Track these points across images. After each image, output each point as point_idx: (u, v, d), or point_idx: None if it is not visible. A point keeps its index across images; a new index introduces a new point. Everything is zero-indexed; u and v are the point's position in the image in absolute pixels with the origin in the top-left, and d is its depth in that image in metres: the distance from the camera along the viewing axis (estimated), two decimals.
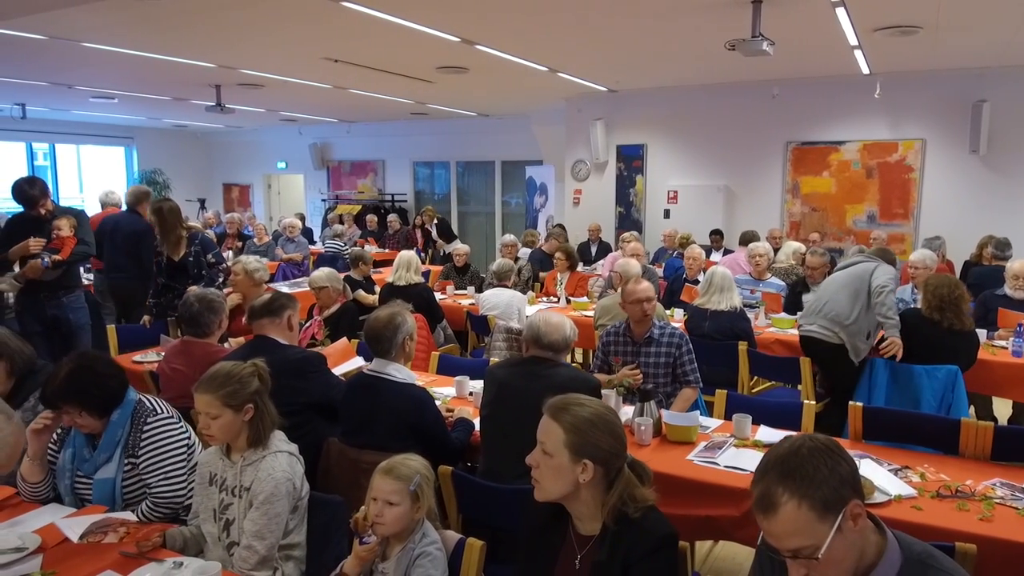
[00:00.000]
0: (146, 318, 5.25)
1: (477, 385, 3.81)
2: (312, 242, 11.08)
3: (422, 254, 11.59)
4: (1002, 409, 5.19)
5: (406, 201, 14.43)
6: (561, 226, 10.09)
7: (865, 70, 8.06)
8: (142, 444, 2.41)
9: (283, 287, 7.41)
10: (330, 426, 3.12)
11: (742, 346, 4.66)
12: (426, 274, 6.98)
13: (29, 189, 4.90)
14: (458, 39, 6.62)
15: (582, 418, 1.71)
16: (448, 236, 11.24)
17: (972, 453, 2.92)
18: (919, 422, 3.18)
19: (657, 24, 6.13)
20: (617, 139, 10.34)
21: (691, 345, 3.71)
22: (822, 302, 4.32)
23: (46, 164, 14.67)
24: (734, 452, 2.94)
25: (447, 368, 4.34)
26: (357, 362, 3.89)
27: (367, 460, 2.80)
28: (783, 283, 6.23)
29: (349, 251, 9.99)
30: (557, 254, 7.26)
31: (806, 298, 5.87)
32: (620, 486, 1.68)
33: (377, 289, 6.54)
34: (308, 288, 5.18)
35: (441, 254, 10.84)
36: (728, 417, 3.42)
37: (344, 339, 4.13)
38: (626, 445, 1.77)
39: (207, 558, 2.21)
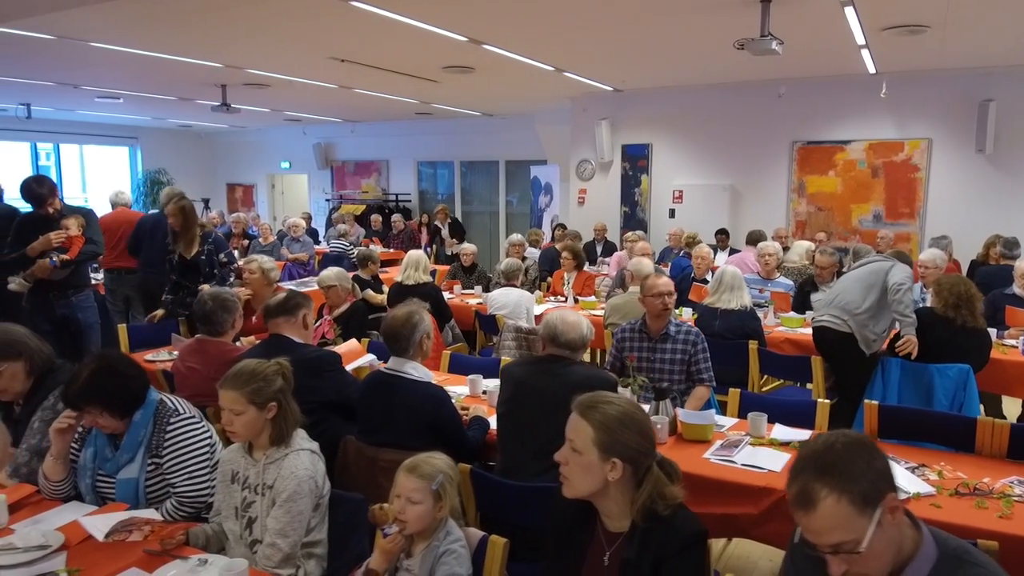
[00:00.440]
0: (156, 313, 5.24)
1: (490, 384, 3.82)
2: (317, 242, 11.09)
3: (427, 250, 11.60)
4: (1011, 408, 5.20)
5: (410, 201, 14.44)
6: (562, 226, 10.11)
7: (871, 69, 8.06)
8: (165, 444, 2.41)
9: (290, 287, 7.41)
10: (345, 424, 3.13)
11: (752, 345, 4.66)
12: (432, 273, 6.98)
13: (37, 188, 4.91)
14: (465, 39, 6.62)
15: (611, 416, 1.71)
16: (461, 235, 11.24)
17: (988, 451, 2.93)
18: (935, 420, 3.19)
19: (666, 23, 6.13)
20: (622, 139, 10.34)
21: (707, 344, 3.72)
22: (835, 294, 4.37)
23: (48, 164, 14.68)
24: (750, 450, 2.94)
25: (458, 367, 4.35)
26: (367, 358, 3.90)
27: (385, 458, 2.81)
28: (791, 282, 6.24)
29: (354, 251, 10.04)
30: (564, 253, 7.26)
31: (815, 297, 5.89)
32: (649, 484, 1.69)
33: (385, 288, 6.54)
34: (316, 288, 5.20)
35: (449, 253, 10.84)
36: (741, 416, 3.43)
37: (353, 340, 4.13)
38: (655, 444, 1.77)
39: (229, 555, 2.21)
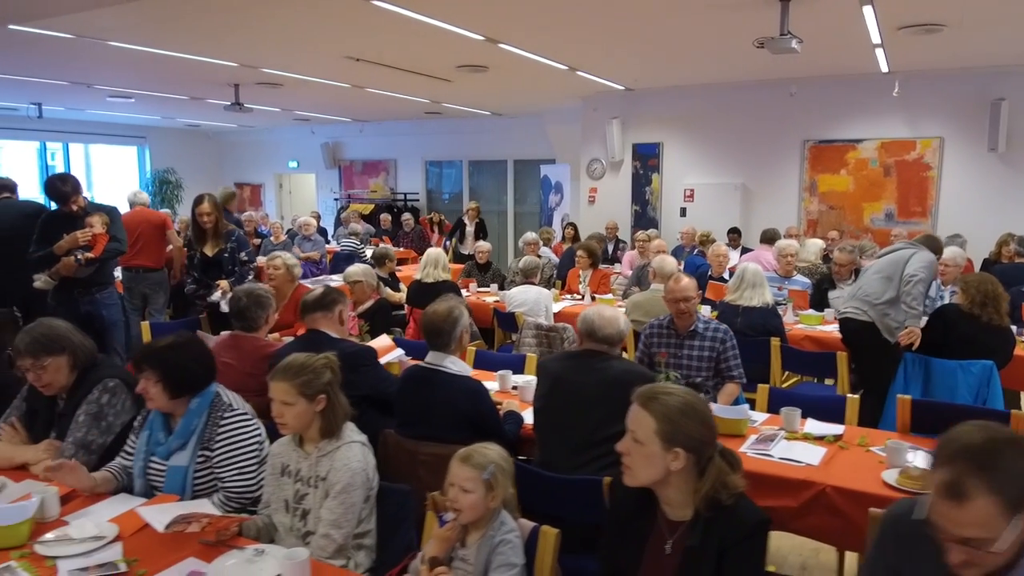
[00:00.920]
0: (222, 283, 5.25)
1: (519, 379, 3.85)
2: (327, 241, 11.11)
3: (446, 245, 11.59)
4: None
5: (418, 200, 14.47)
6: (572, 224, 10.13)
7: (884, 68, 8.08)
8: (218, 439, 2.44)
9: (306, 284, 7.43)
10: (382, 418, 3.15)
11: (775, 342, 4.68)
12: None
13: (61, 186, 4.93)
14: (482, 38, 6.64)
15: (672, 407, 1.73)
16: (485, 235, 11.21)
17: None
18: (967, 415, 3.19)
19: (686, 22, 6.15)
20: (633, 138, 10.36)
21: (735, 341, 3.74)
22: (858, 286, 4.44)
23: (53, 164, 14.68)
24: (786, 444, 2.96)
25: (482, 363, 4.37)
26: (397, 353, 3.93)
27: (425, 452, 2.85)
28: (808, 280, 6.26)
29: (365, 249, 10.06)
30: (579, 252, 7.29)
31: (832, 294, 5.93)
32: (713, 473, 1.71)
33: (402, 286, 6.58)
34: (341, 284, 5.21)
35: (465, 252, 10.83)
36: (769, 411, 3.45)
37: (385, 335, 4.16)
38: (716, 433, 1.79)
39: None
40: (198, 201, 5.33)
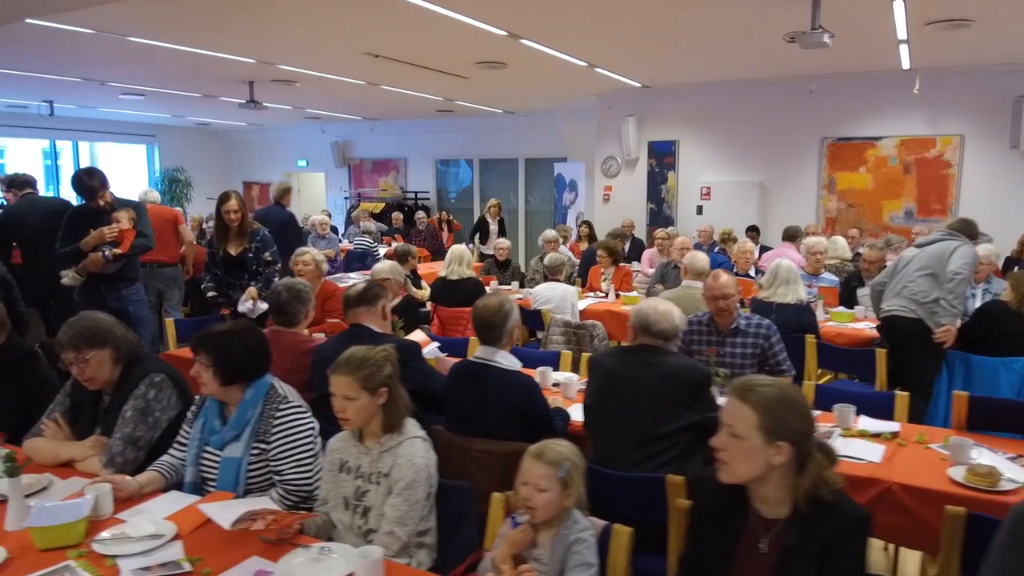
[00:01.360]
0: (251, 291, 5.06)
1: (559, 376, 3.80)
2: (339, 239, 11.05)
3: (470, 246, 11.51)
4: None
5: (428, 199, 14.41)
6: (587, 223, 10.06)
7: (905, 65, 8.02)
8: (274, 430, 2.39)
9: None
10: (427, 414, 3.09)
11: (810, 339, 4.62)
12: None
13: (88, 180, 4.87)
14: (505, 33, 6.59)
15: (771, 398, 1.67)
16: (504, 233, 11.14)
17: None
18: None
19: (713, 16, 6.09)
20: (648, 135, 10.30)
21: (780, 335, 3.68)
22: (901, 285, 4.33)
23: (55, 163, 14.59)
24: (843, 442, 2.91)
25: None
26: (432, 348, 3.87)
27: (477, 448, 2.79)
28: (836, 278, 6.20)
29: (378, 248, 10.00)
30: (600, 251, 7.22)
31: (860, 292, 5.86)
32: (813, 468, 1.64)
33: (424, 284, 6.51)
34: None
35: (485, 252, 10.75)
36: (817, 409, 3.39)
37: (419, 331, 4.10)
38: (815, 426, 1.73)
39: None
40: (224, 198, 5.14)
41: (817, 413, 3.26)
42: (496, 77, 8.83)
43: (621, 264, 7.33)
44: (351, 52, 7.55)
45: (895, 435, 2.99)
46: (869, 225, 9.03)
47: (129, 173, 15.17)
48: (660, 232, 8.07)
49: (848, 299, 5.86)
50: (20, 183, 5.96)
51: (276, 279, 5.25)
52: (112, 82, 9.58)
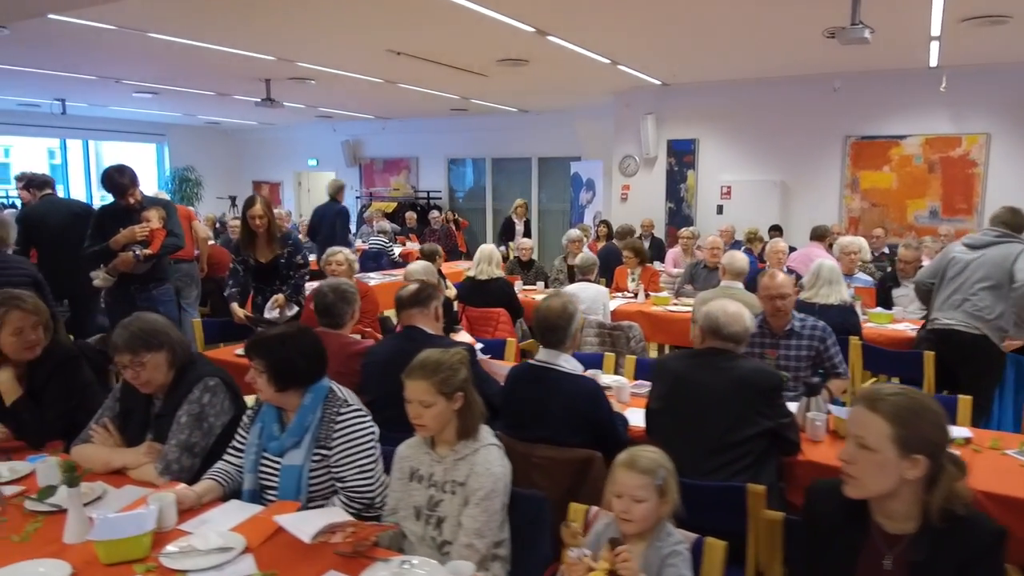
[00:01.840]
0: (279, 298, 4.85)
1: (608, 379, 3.70)
2: None
3: (461, 252, 11.45)
4: None
5: (440, 198, 14.31)
6: (606, 222, 9.97)
7: (933, 63, 7.92)
8: (335, 436, 2.29)
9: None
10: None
11: (854, 341, 4.52)
12: None
13: (119, 178, 4.79)
14: (533, 29, 6.50)
15: (904, 407, 1.56)
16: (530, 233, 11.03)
17: None
18: None
19: (754, 11, 5.99)
20: (667, 134, 10.20)
21: (835, 337, 3.58)
22: (961, 298, 4.10)
23: (62, 162, 14.51)
24: None
25: None
26: (477, 352, 3.77)
27: (539, 455, 2.69)
28: (870, 278, 6.11)
29: (393, 247, 9.92)
30: (625, 252, 7.13)
31: (896, 293, 5.76)
32: (945, 482, 1.54)
33: (450, 283, 6.41)
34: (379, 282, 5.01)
35: (510, 254, 10.64)
36: None
37: (463, 331, 4.01)
38: (949, 437, 1.63)
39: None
40: (249, 203, 4.87)
41: None
42: (516, 75, 8.73)
43: (647, 264, 7.24)
44: (373, 49, 7.46)
45: (968, 441, 2.89)
46: (893, 225, 8.93)
47: (139, 172, 15.05)
48: (685, 231, 7.98)
49: (884, 300, 5.76)
50: (40, 183, 5.86)
51: (305, 282, 5.14)
52: (127, 80, 9.49)
